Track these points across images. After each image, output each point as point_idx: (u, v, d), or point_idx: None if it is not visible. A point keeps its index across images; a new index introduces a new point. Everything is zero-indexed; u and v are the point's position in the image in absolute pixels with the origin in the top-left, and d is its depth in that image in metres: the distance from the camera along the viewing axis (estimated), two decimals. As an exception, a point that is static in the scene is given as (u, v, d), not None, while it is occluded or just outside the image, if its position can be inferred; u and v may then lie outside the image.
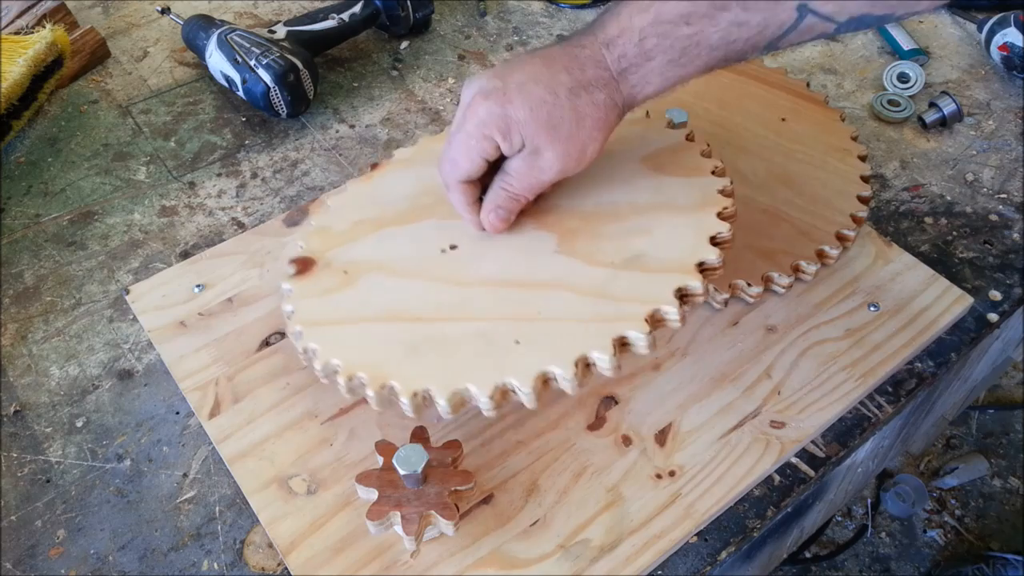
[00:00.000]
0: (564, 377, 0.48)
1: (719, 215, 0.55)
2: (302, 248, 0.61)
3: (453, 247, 0.58)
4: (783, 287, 0.63)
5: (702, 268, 0.52)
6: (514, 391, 0.49)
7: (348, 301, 0.56)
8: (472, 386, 0.48)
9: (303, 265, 0.60)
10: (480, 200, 0.57)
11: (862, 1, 0.49)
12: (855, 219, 0.65)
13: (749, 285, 0.61)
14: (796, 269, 0.63)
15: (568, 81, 0.51)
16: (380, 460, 0.50)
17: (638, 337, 0.49)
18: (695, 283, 0.51)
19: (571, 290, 0.52)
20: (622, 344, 0.49)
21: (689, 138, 0.62)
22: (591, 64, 0.52)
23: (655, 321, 0.50)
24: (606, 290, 0.52)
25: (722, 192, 0.57)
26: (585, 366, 0.49)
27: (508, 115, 0.51)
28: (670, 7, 0.50)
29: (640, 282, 0.52)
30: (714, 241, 0.53)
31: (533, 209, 0.59)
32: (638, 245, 0.54)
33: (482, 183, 0.57)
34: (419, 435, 0.51)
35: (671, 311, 0.50)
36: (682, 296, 0.51)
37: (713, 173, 0.58)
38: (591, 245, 0.55)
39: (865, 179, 0.68)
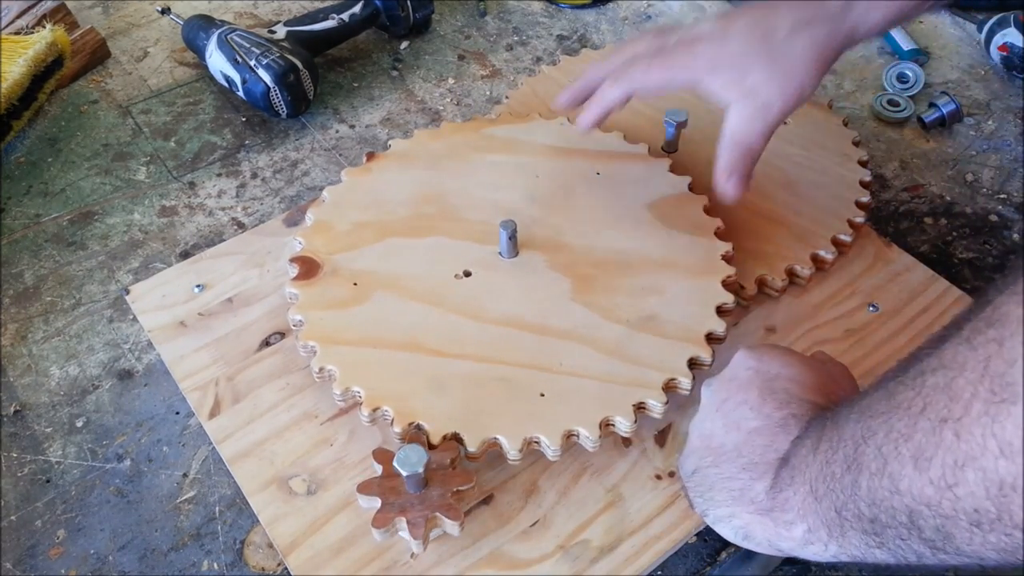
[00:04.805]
0: (589, 437, 0.52)
1: (723, 283, 0.58)
2: (302, 245, 0.61)
3: (467, 274, 0.59)
4: (776, 291, 0.63)
5: (709, 337, 0.56)
6: (538, 443, 0.52)
7: (362, 320, 0.57)
8: (503, 438, 0.51)
9: (306, 266, 0.60)
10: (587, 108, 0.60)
11: None
12: (852, 225, 0.65)
13: (743, 288, 0.61)
14: (790, 273, 0.63)
15: (789, 21, 0.53)
16: (379, 468, 0.50)
17: (655, 405, 0.53)
18: (705, 355, 0.55)
19: (589, 344, 0.55)
20: (638, 407, 0.53)
21: (690, 187, 0.66)
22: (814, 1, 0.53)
23: (669, 388, 0.54)
24: (623, 350, 0.55)
25: (724, 258, 0.60)
26: (606, 426, 0.52)
27: (724, 51, 0.54)
28: None
29: (655, 347, 0.55)
30: (719, 311, 0.57)
31: (545, 245, 0.61)
32: (651, 305, 0.57)
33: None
34: (416, 437, 0.51)
35: (685, 381, 0.54)
36: (691, 364, 0.55)
37: (716, 234, 0.62)
38: (606, 298, 0.58)
39: (865, 185, 0.68)
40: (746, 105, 0.53)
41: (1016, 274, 0.30)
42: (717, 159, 0.55)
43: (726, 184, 0.55)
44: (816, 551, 0.40)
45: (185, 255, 0.71)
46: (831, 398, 0.45)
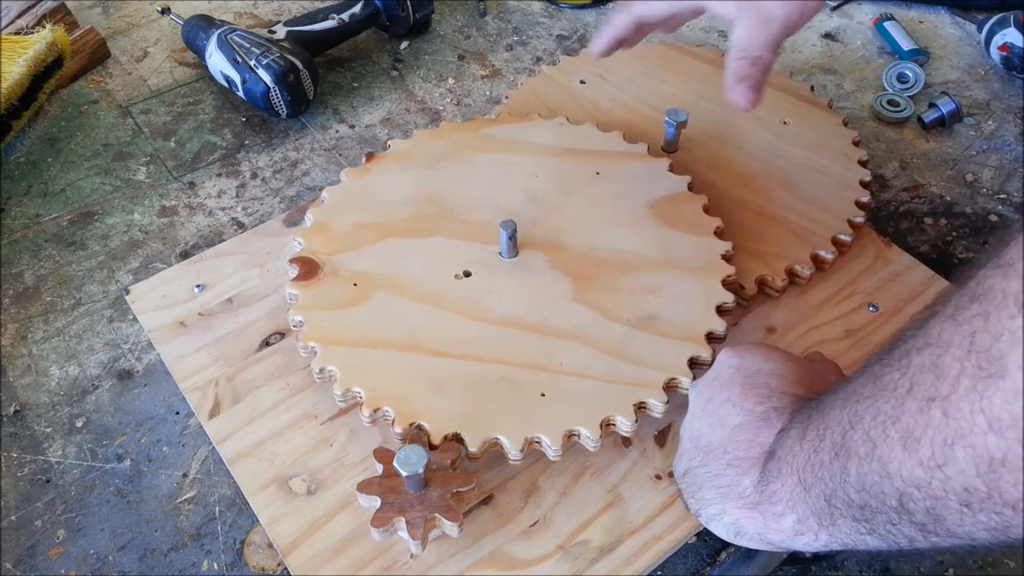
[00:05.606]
0: (590, 437, 0.52)
1: (723, 283, 0.58)
2: (301, 246, 0.61)
3: (467, 274, 0.59)
4: (776, 291, 0.63)
5: (710, 337, 0.56)
6: (539, 443, 0.52)
7: (363, 320, 0.57)
8: (504, 438, 0.51)
9: (306, 267, 0.60)
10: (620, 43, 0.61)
11: None
12: (852, 225, 0.65)
13: (743, 288, 0.61)
14: (791, 273, 0.63)
15: None
16: (380, 467, 0.50)
17: (655, 404, 0.53)
18: (706, 354, 0.55)
19: (590, 344, 0.56)
20: (639, 407, 0.53)
21: (689, 186, 0.66)
22: None
23: (670, 388, 0.54)
24: (623, 350, 0.55)
25: (724, 257, 0.60)
26: (606, 425, 0.52)
27: None
28: None
29: (656, 347, 0.55)
30: (719, 311, 0.57)
31: (545, 245, 0.61)
32: (651, 304, 0.58)
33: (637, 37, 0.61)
34: (417, 437, 0.51)
35: (685, 381, 0.54)
36: (692, 363, 0.55)
37: (715, 233, 0.62)
38: (606, 298, 0.58)
39: (865, 184, 0.68)
40: (748, 19, 0.54)
41: (999, 247, 0.30)
42: (725, 71, 0.55)
43: (735, 90, 0.55)
44: (806, 541, 0.40)
45: (185, 255, 0.71)
46: (815, 391, 0.45)
